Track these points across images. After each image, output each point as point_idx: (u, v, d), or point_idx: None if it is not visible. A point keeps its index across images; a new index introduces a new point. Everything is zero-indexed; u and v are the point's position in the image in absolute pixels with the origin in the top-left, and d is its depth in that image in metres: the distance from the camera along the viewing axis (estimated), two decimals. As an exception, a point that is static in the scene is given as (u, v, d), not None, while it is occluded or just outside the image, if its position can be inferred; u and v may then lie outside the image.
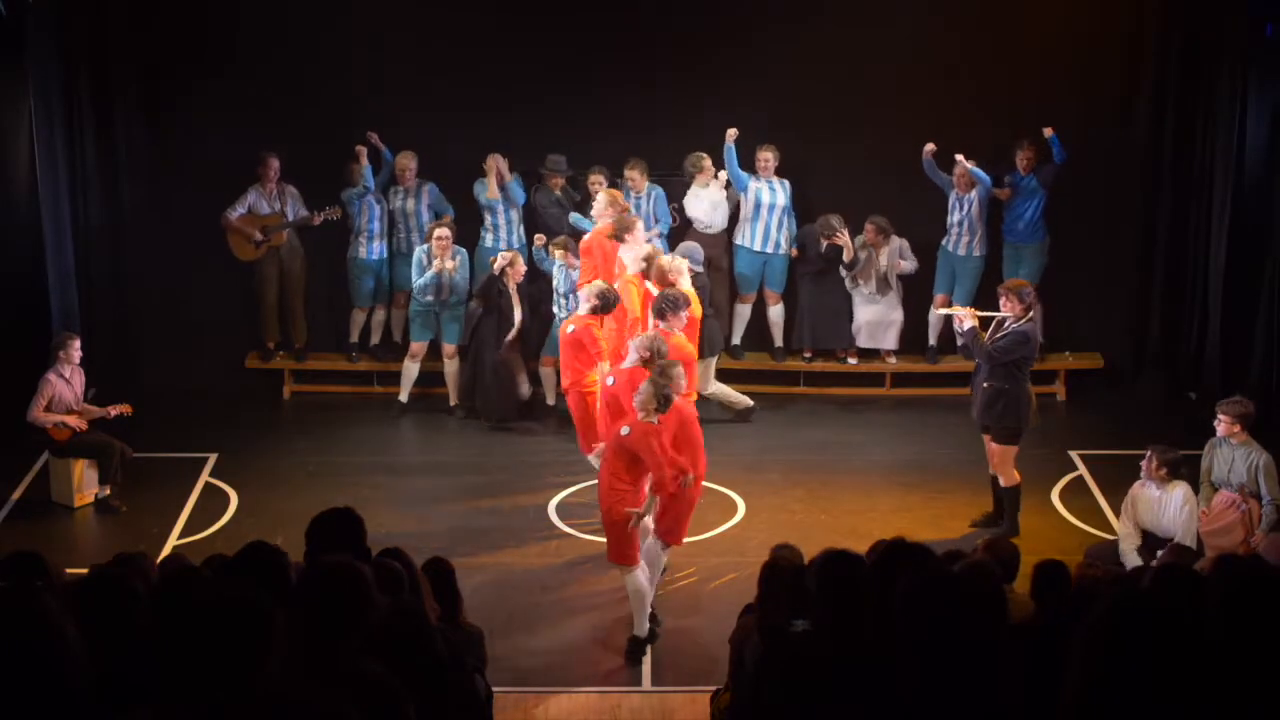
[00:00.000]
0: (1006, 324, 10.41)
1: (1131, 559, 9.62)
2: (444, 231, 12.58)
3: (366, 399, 13.49)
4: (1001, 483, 10.67)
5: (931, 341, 13.47)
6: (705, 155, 12.99)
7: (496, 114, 13.26)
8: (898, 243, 13.13)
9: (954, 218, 13.07)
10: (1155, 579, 5.74)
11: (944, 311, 11.56)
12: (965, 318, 10.53)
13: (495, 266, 12.55)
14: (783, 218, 13.17)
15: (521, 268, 12.61)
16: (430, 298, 12.72)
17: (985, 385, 10.45)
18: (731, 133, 12.68)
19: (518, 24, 13.25)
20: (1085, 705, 4.38)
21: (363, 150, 12.99)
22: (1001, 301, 10.47)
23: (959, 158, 12.76)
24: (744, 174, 13.01)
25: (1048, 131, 12.79)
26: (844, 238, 12.90)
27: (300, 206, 13.30)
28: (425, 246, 12.70)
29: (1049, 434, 12.48)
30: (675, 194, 13.31)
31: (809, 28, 13.12)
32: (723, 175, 13.05)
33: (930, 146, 12.84)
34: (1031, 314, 10.52)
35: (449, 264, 12.61)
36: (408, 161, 13.14)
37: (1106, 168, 13.31)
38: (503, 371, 12.66)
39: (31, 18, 12.14)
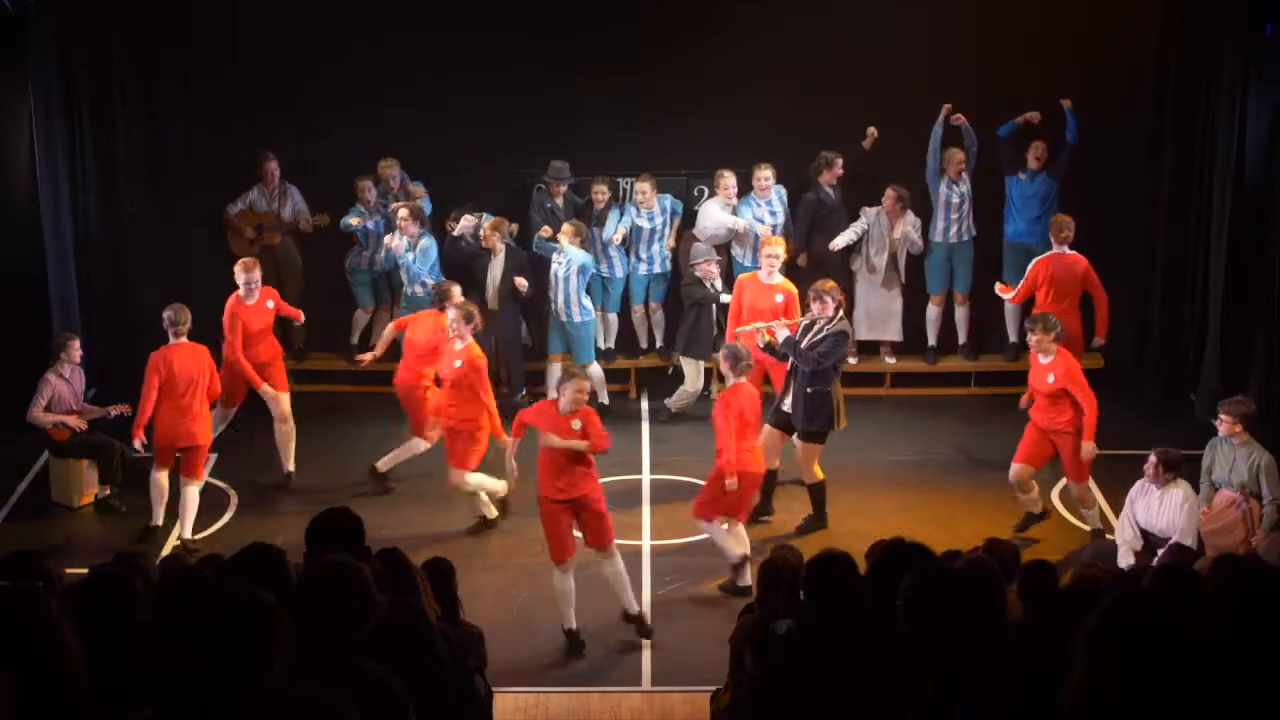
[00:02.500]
0: (818, 326, 10.57)
1: (1129, 560, 9.61)
2: (403, 212, 12.56)
3: (366, 399, 13.47)
4: (805, 481, 10.92)
5: (931, 342, 13.48)
6: (727, 174, 12.95)
7: (497, 114, 13.28)
8: (913, 218, 13.16)
9: (951, 202, 13.05)
10: (1155, 579, 5.75)
11: (748, 329, 11.13)
12: (776, 329, 10.69)
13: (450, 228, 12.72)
14: (779, 234, 13.19)
15: (471, 223, 12.70)
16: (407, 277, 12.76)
17: (809, 391, 10.55)
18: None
19: (519, 23, 13.25)
20: (1085, 705, 4.38)
21: (368, 186, 13.04)
22: (814, 305, 10.64)
23: (958, 117, 12.79)
24: (749, 216, 13.04)
25: (1065, 103, 12.80)
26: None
27: (302, 207, 13.32)
28: (398, 234, 12.72)
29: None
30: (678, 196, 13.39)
31: (809, 26, 13.12)
32: (733, 202, 13.09)
33: (948, 106, 12.85)
34: (841, 313, 10.71)
35: (395, 242, 12.61)
36: (390, 170, 13.14)
37: (1106, 167, 13.31)
38: (501, 331, 12.72)
39: (32, 18, 12.14)
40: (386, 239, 12.68)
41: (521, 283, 12.55)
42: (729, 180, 12.93)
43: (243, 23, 13.13)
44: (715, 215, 12.96)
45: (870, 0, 13.12)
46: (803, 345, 10.56)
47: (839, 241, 12.99)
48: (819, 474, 10.87)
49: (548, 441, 9.26)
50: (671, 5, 13.31)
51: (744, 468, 9.84)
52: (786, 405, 10.80)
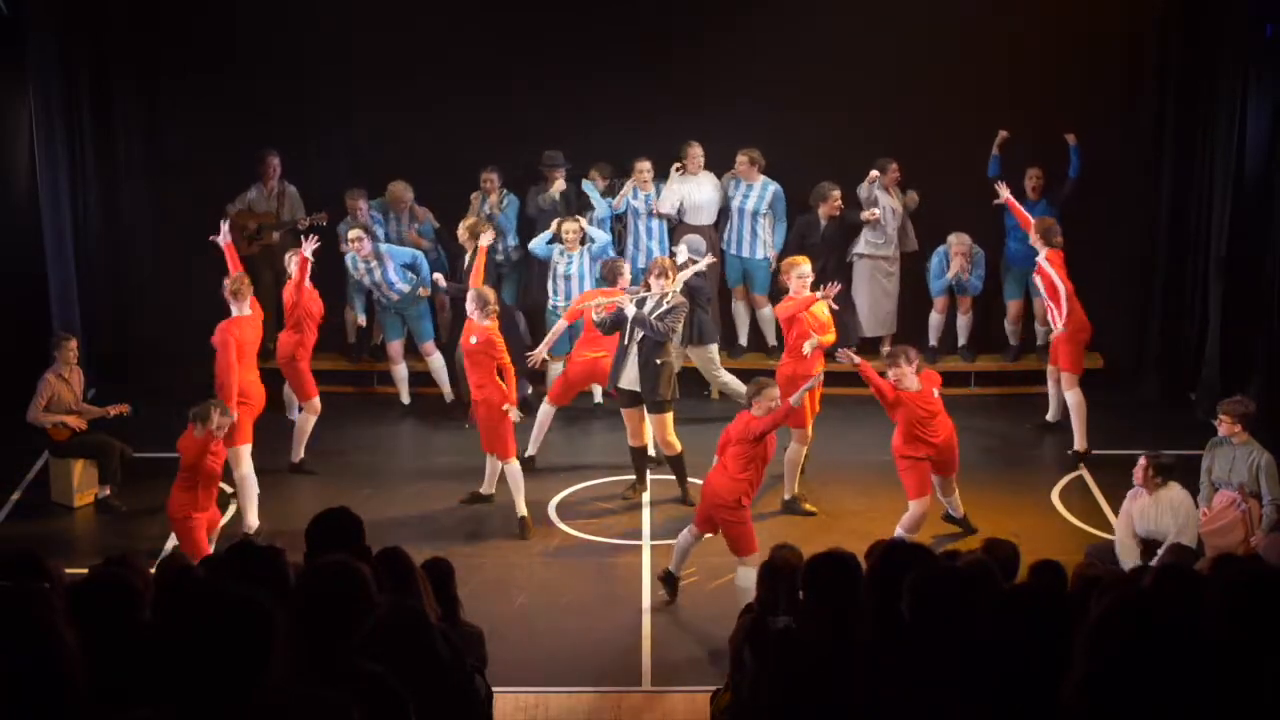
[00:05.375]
0: (663, 299, 10.90)
1: (1129, 564, 9.58)
2: (356, 233, 12.55)
3: (366, 399, 13.49)
4: (665, 454, 11.23)
5: (932, 343, 13.48)
6: (689, 145, 13.03)
7: (496, 114, 13.30)
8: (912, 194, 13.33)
9: (950, 278, 13.20)
10: (1155, 579, 5.74)
11: (594, 304, 11.36)
12: (624, 305, 11.01)
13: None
14: (755, 224, 13.19)
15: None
16: (392, 296, 12.80)
17: (658, 362, 10.87)
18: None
19: (519, 23, 13.26)
20: (1086, 704, 4.39)
21: (359, 206, 13.01)
22: (654, 279, 10.97)
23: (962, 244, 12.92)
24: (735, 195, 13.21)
25: (1070, 139, 12.83)
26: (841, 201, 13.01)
27: (299, 207, 13.33)
28: (351, 254, 12.67)
29: (1049, 434, 12.50)
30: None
31: (807, 26, 13.13)
32: (704, 175, 13.19)
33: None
34: (678, 286, 11.13)
35: (360, 272, 12.71)
36: (403, 192, 13.13)
37: (1106, 168, 13.30)
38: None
39: (32, 18, 12.14)
40: (359, 273, 12.70)
41: (439, 278, 12.60)
42: (688, 151, 13.02)
43: (243, 22, 13.13)
44: (672, 202, 13.13)
45: (870, 2, 13.12)
46: (652, 318, 10.85)
47: (869, 215, 13.05)
48: (677, 445, 11.14)
49: None
50: (671, 5, 13.32)
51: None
52: (627, 382, 11.08)
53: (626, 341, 11.03)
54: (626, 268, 11.93)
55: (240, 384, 10.95)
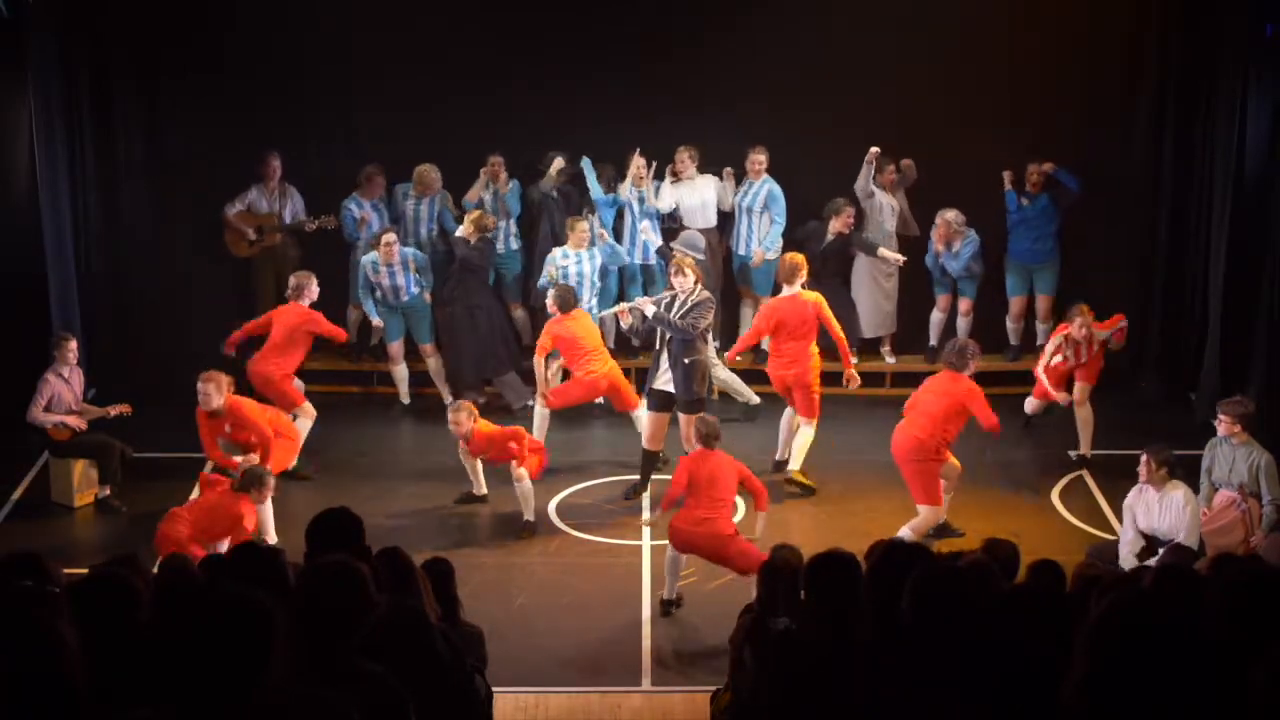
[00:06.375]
0: (688, 298, 10.94)
1: (1131, 564, 9.59)
2: (390, 237, 12.59)
3: (366, 399, 13.50)
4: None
5: (932, 342, 13.48)
6: (679, 150, 13.05)
7: (496, 114, 13.30)
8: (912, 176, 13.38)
9: (940, 261, 13.18)
10: (1155, 579, 5.75)
11: (619, 308, 11.57)
12: (644, 306, 11.17)
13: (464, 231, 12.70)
14: (751, 221, 13.19)
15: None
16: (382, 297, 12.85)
17: (686, 361, 10.91)
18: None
19: (518, 22, 13.27)
20: (1086, 704, 4.39)
21: (378, 179, 13.03)
22: (674, 279, 11.01)
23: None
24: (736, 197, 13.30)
25: (1048, 167, 12.90)
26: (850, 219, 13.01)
27: (300, 208, 13.33)
28: (372, 255, 12.68)
29: (1049, 434, 12.50)
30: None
31: (807, 26, 13.14)
32: (701, 179, 13.22)
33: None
34: (700, 285, 11.09)
35: (382, 280, 12.74)
36: (431, 176, 13.13)
37: (1106, 168, 13.31)
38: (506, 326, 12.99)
39: (32, 19, 12.13)
40: (378, 276, 12.70)
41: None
42: (679, 155, 13.06)
43: (242, 23, 13.13)
44: (667, 204, 13.15)
45: (870, 2, 13.13)
46: (675, 316, 10.89)
47: (893, 257, 13.06)
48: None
49: None
50: (671, 5, 13.32)
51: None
52: (661, 383, 11.09)
53: (658, 345, 11.07)
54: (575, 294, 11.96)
55: (272, 421, 11.14)
